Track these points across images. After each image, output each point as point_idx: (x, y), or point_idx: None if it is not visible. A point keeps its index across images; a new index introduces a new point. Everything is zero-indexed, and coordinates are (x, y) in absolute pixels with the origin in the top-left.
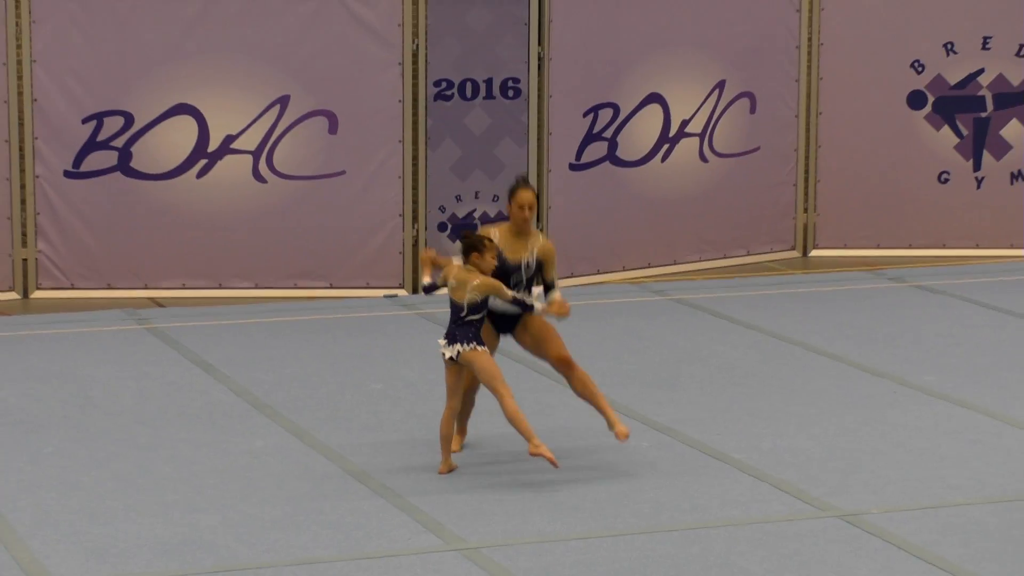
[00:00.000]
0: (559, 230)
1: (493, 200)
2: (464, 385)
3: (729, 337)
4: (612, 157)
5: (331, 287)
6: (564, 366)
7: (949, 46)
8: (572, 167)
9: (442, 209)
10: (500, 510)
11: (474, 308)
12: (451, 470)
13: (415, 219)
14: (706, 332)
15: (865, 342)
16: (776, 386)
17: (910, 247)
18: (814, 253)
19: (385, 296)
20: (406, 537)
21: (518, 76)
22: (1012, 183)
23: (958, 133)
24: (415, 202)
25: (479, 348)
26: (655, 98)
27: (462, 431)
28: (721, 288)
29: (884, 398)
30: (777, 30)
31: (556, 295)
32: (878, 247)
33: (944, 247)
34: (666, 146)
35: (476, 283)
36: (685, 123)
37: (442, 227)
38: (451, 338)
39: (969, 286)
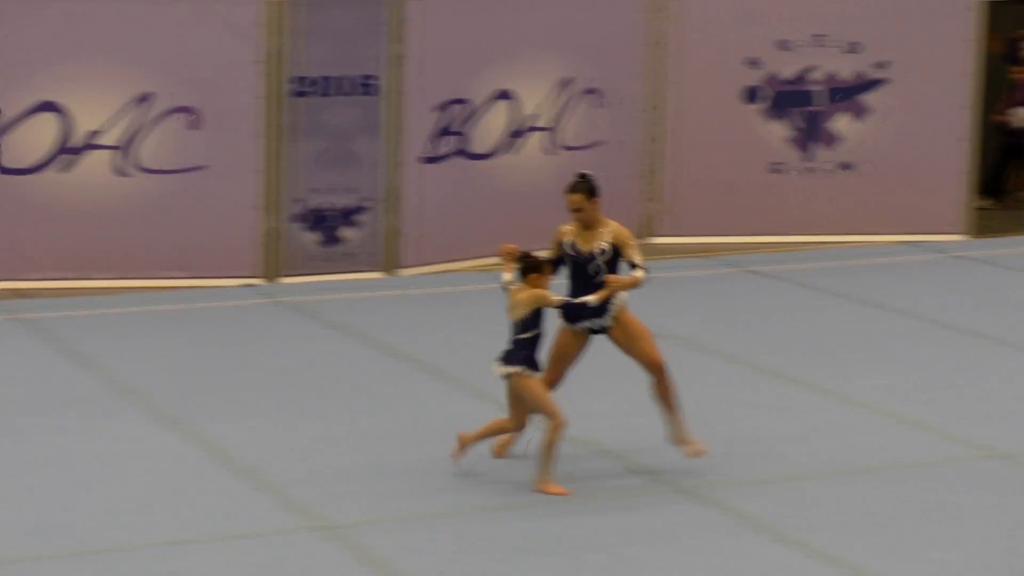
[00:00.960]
0: (413, 221)
1: (348, 192)
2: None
3: None
4: (463, 151)
5: (193, 277)
6: (655, 368)
7: (782, 43)
8: (425, 160)
9: (299, 201)
10: (364, 491)
11: (525, 325)
12: (463, 450)
13: (272, 211)
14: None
15: (704, 325)
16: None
17: (745, 234)
18: (657, 241)
19: (244, 285)
20: (268, 517)
21: (375, 74)
22: (842, 172)
23: (791, 126)
24: (273, 195)
25: (528, 374)
26: (505, 94)
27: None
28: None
29: (719, 374)
30: (621, 30)
31: (622, 276)
32: (715, 234)
33: (777, 234)
34: (515, 140)
35: (522, 297)
36: (533, 118)
37: (298, 219)
38: (505, 359)
39: (800, 271)
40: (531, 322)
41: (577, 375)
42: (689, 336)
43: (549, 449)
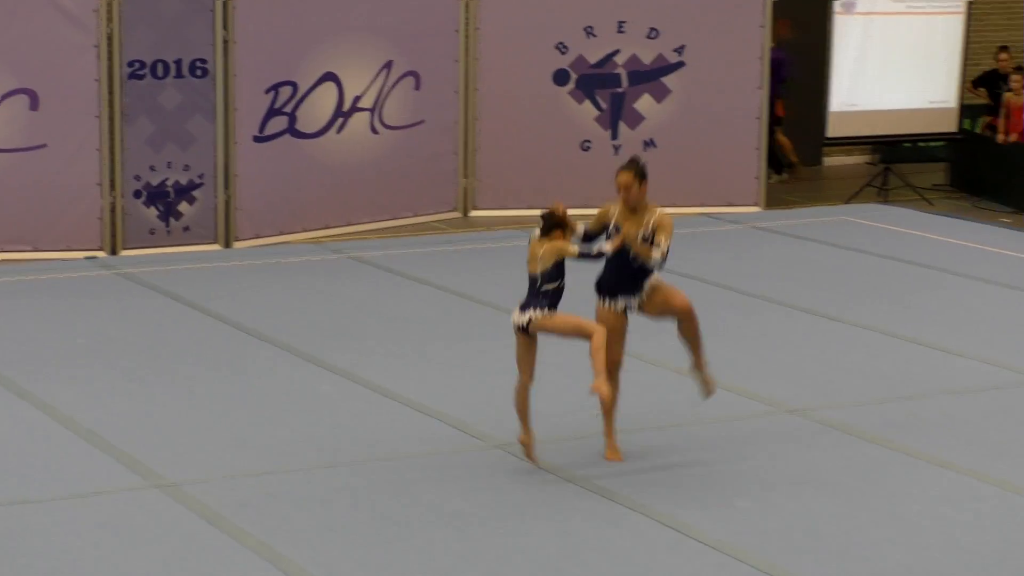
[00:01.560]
0: (246, 197)
1: (184, 169)
2: (533, 360)
3: (401, 290)
4: (292, 130)
5: (36, 251)
6: (686, 313)
7: (589, 30)
8: (256, 139)
9: (137, 178)
10: (201, 451)
11: (548, 277)
12: (530, 443)
13: (112, 188)
14: (380, 286)
15: (518, 293)
16: (443, 333)
17: None
18: (473, 214)
19: (86, 258)
20: (111, 477)
21: (205, 57)
22: (645, 150)
23: (597, 106)
24: (112, 172)
25: (553, 313)
26: (330, 77)
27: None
28: (392, 247)
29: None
30: (438, 17)
31: (640, 243)
32: (530, 208)
33: (588, 207)
34: (340, 119)
35: (544, 249)
36: (357, 99)
37: (137, 195)
38: (524, 307)
39: None
40: (553, 274)
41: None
42: (502, 303)
43: (599, 351)
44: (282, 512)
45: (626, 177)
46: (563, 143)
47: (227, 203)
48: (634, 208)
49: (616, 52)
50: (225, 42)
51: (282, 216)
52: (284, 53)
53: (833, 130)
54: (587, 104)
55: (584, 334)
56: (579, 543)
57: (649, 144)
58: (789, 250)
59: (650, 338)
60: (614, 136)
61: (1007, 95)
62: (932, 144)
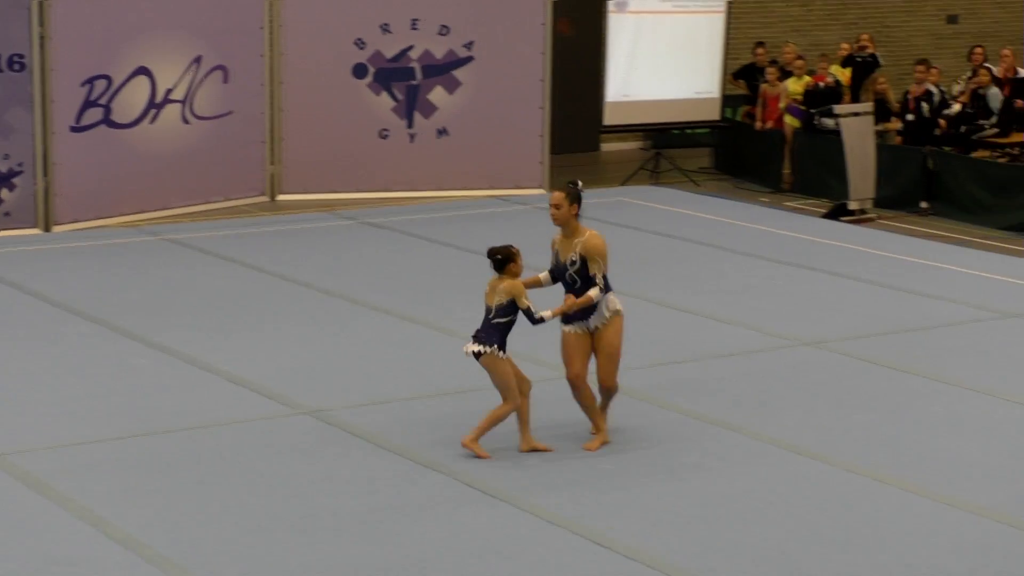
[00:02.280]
0: (64, 184)
1: (4, 158)
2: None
3: (214, 270)
4: (108, 120)
5: None
6: (604, 389)
7: (385, 27)
8: (73, 129)
9: None
10: (21, 421)
11: (501, 311)
12: (533, 449)
13: None
14: (194, 266)
15: (325, 270)
16: (253, 309)
17: (359, 191)
18: (281, 198)
19: None
20: None
21: (23, 52)
22: (438, 137)
23: (394, 98)
24: None
25: (500, 354)
26: (143, 71)
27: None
28: (205, 229)
29: (342, 315)
30: (245, 14)
31: (579, 298)
32: (334, 191)
33: (387, 191)
34: (153, 111)
35: (503, 286)
36: (169, 91)
37: None
38: (477, 337)
39: (407, 222)
40: (507, 310)
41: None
42: (311, 281)
43: (494, 422)
44: (103, 479)
45: (558, 196)
46: (363, 132)
47: (46, 190)
48: (567, 232)
49: (410, 47)
50: (41, 38)
51: (100, 201)
52: (99, 48)
53: (609, 118)
54: (384, 95)
55: (504, 397)
56: (383, 498)
57: (442, 132)
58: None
59: (454, 314)
60: (409, 125)
61: (764, 86)
62: (698, 131)
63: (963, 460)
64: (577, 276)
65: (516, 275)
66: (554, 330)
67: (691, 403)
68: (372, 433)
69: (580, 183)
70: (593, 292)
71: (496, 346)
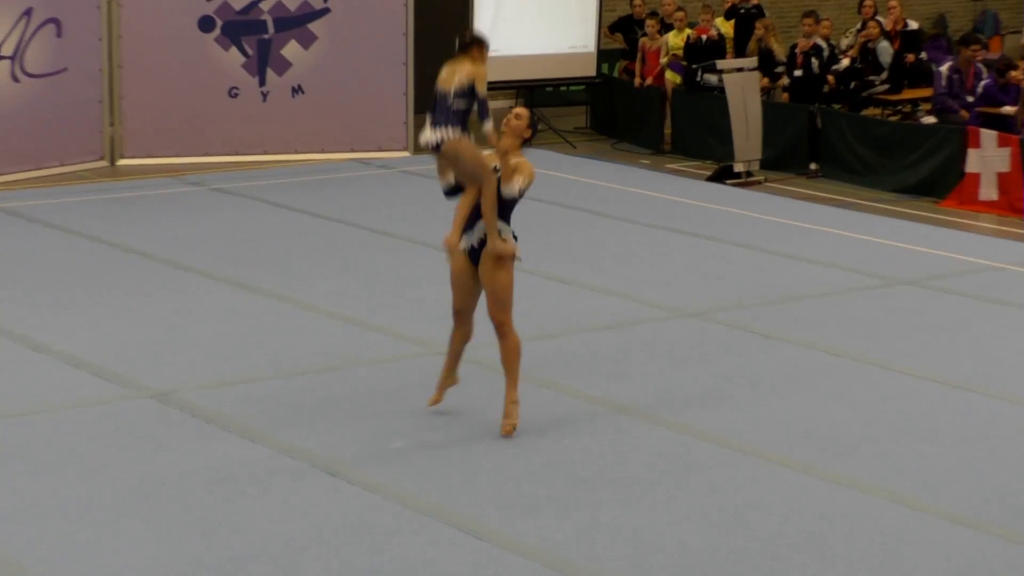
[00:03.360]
0: None
1: None
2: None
3: (47, 240)
4: None
5: None
6: (499, 325)
7: None
8: None
9: None
10: None
11: (461, 93)
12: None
13: None
14: (26, 237)
15: (171, 241)
16: (92, 283)
17: (207, 155)
18: (121, 163)
19: None
20: None
21: None
22: (293, 96)
23: (244, 53)
24: None
25: (463, 137)
26: None
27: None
28: (39, 197)
29: (189, 289)
30: None
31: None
32: (179, 155)
33: (237, 154)
34: None
35: (467, 68)
36: None
37: None
38: (435, 123)
39: (259, 188)
40: (466, 92)
41: None
42: (155, 252)
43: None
44: None
45: (524, 111)
46: (210, 90)
47: None
48: (506, 146)
49: None
50: None
51: None
52: None
53: None
54: (234, 51)
55: (479, 180)
56: (238, 489)
57: (297, 91)
58: (436, 193)
59: (309, 285)
60: (262, 83)
61: (643, 40)
62: (572, 88)
63: (855, 437)
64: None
65: (479, 62)
66: None
67: (565, 377)
68: (223, 416)
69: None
70: (486, 127)
71: (459, 128)
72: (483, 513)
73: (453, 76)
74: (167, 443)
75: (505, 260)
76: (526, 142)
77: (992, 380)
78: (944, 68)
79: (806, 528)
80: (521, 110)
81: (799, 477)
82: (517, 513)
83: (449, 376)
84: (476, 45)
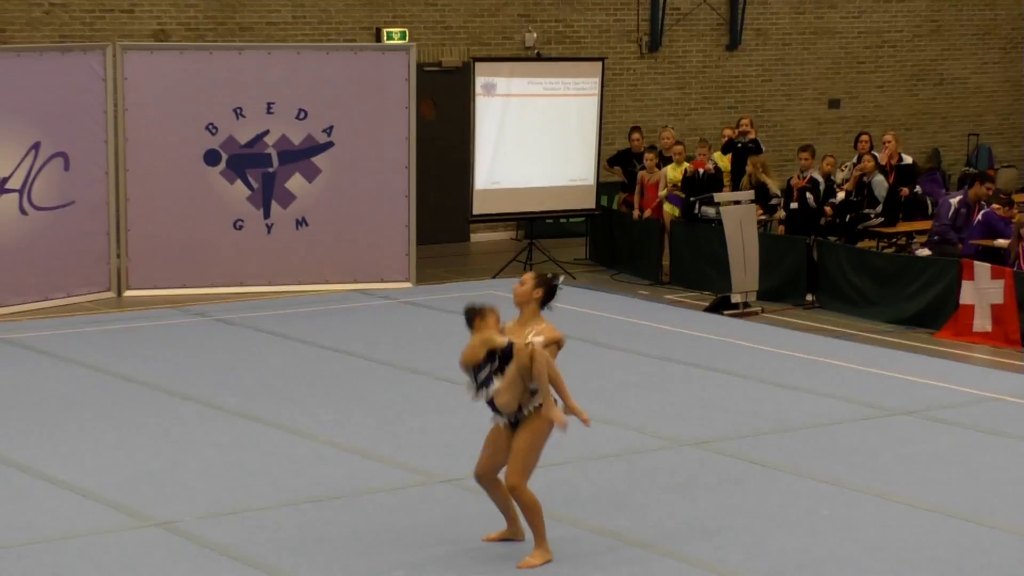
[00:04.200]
0: None
1: None
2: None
3: (52, 371)
4: None
5: None
6: (510, 488)
7: (238, 111)
8: None
9: None
10: None
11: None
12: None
13: None
14: (30, 367)
15: (174, 370)
16: (96, 413)
17: (212, 285)
18: (127, 294)
19: None
20: None
21: None
22: (297, 228)
23: (249, 186)
24: None
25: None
26: None
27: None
28: (45, 328)
29: (192, 419)
30: (85, 97)
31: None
32: (184, 286)
33: (241, 285)
34: None
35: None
36: (5, 180)
37: None
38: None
39: (262, 318)
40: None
41: None
42: (158, 382)
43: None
44: None
45: (527, 275)
46: (216, 222)
47: None
48: (522, 315)
49: (266, 132)
50: None
51: None
52: None
53: (478, 207)
54: (239, 183)
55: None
56: None
57: (301, 223)
58: (438, 323)
59: (311, 415)
60: (266, 215)
61: (642, 173)
62: (572, 220)
63: (853, 567)
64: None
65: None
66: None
67: (567, 508)
68: (227, 546)
69: (561, 278)
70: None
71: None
72: None
73: (473, 352)
74: (172, 573)
75: (546, 428)
76: (546, 302)
77: (990, 510)
78: (954, 201)
79: None
80: (526, 276)
81: None
82: None
83: (511, 527)
84: (477, 316)
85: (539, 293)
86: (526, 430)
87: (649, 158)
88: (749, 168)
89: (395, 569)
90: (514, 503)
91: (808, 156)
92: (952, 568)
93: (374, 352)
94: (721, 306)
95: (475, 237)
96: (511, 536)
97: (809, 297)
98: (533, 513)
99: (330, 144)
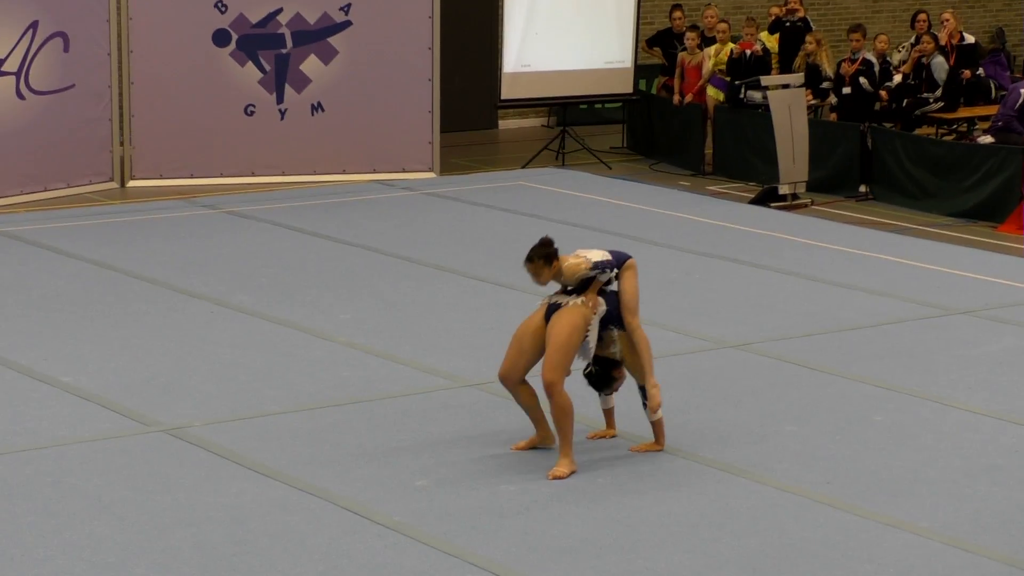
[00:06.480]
0: None
1: None
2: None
3: (52, 266)
4: None
5: None
6: (547, 386)
7: None
8: None
9: None
10: None
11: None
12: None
13: None
14: (30, 262)
15: (183, 266)
16: (100, 311)
17: (221, 176)
18: (131, 184)
19: None
20: None
21: None
22: (312, 114)
23: (261, 68)
24: None
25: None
26: None
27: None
28: (43, 220)
29: (202, 318)
30: None
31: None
32: (192, 177)
33: (253, 175)
34: None
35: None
36: (1, 63)
37: None
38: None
39: (276, 211)
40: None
41: None
42: (166, 278)
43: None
44: None
45: (533, 267)
46: (225, 108)
47: None
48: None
49: (279, 11)
50: None
51: None
52: None
53: (507, 92)
54: (250, 66)
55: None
56: (253, 529)
57: (316, 108)
58: (464, 217)
59: (328, 314)
60: (279, 100)
61: (682, 55)
62: (608, 105)
63: (907, 476)
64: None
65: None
66: None
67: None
68: (238, 453)
69: (550, 239)
70: (601, 276)
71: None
72: (512, 555)
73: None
74: (179, 481)
75: (583, 322)
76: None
77: None
78: None
79: (854, 572)
80: (528, 267)
81: (847, 518)
82: (548, 555)
83: (540, 433)
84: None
85: (557, 266)
86: (563, 321)
87: (691, 38)
88: (810, 45)
89: (417, 479)
90: (540, 407)
91: (859, 37)
92: (1012, 477)
93: (395, 247)
94: (768, 198)
95: (503, 124)
96: (540, 443)
97: (862, 188)
98: (565, 417)
99: (348, 23)
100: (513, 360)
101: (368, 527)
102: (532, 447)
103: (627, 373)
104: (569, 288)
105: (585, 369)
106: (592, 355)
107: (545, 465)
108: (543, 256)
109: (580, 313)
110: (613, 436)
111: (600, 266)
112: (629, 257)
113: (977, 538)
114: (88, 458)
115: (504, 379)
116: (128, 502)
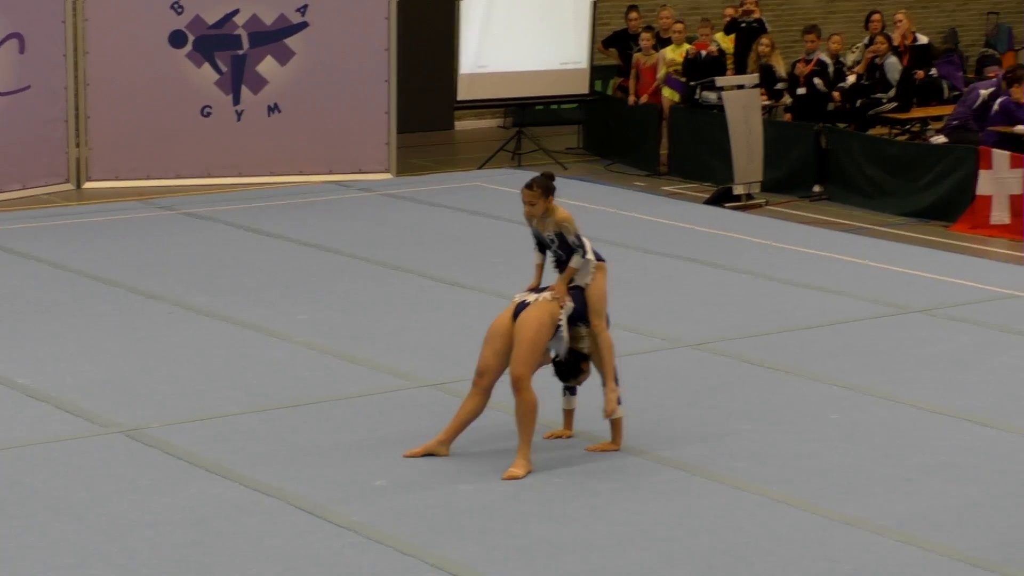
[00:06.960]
0: None
1: None
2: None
3: (8, 268)
4: None
5: None
6: (514, 381)
7: None
8: None
9: None
10: None
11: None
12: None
13: None
14: None
15: (139, 268)
16: (56, 312)
17: (178, 177)
18: (88, 185)
19: None
20: None
21: None
22: (269, 115)
23: (217, 69)
24: None
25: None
26: None
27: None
28: None
29: (159, 319)
30: None
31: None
32: (148, 178)
33: (209, 176)
34: None
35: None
36: None
37: None
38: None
39: (233, 212)
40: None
41: None
42: (123, 280)
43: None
44: None
45: (532, 194)
46: (182, 109)
47: None
48: (542, 220)
49: (236, 12)
50: None
51: None
52: None
53: (463, 93)
54: (206, 67)
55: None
56: (211, 530)
57: (273, 109)
58: (421, 217)
59: (283, 315)
60: (236, 101)
61: (638, 55)
62: (564, 106)
63: (862, 473)
64: (560, 251)
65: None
66: None
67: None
68: (196, 454)
69: (552, 174)
70: (573, 261)
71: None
72: (470, 554)
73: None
74: (137, 482)
75: (550, 319)
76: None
77: (1008, 414)
78: (985, 92)
79: (809, 570)
80: (529, 193)
81: (803, 516)
82: (505, 555)
83: (441, 445)
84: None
85: (551, 202)
86: (531, 317)
87: (646, 39)
88: (762, 48)
89: (376, 479)
90: (470, 423)
91: (813, 38)
92: (966, 475)
93: (352, 248)
94: (723, 198)
95: (460, 125)
96: (435, 450)
97: (817, 188)
98: (529, 414)
99: (304, 24)
100: (487, 361)
101: (326, 527)
102: (427, 454)
103: (592, 370)
104: (540, 287)
105: (555, 357)
106: (566, 349)
107: (503, 466)
108: (543, 186)
109: (547, 310)
110: (569, 436)
111: (582, 242)
112: (603, 260)
113: (931, 535)
114: (45, 460)
115: (481, 373)
116: (86, 503)
